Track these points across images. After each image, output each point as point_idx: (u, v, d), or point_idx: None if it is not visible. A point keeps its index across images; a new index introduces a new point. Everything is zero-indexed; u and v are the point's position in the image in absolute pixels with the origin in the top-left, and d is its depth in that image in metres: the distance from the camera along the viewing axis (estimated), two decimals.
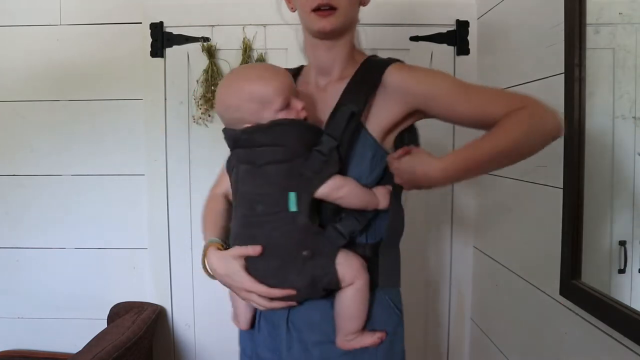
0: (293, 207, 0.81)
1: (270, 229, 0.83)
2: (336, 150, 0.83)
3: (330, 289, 0.86)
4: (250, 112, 0.84)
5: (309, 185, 0.81)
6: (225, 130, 0.89)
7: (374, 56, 0.95)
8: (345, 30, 0.91)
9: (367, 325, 0.90)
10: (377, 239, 0.93)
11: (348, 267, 0.84)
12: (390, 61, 0.90)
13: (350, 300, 0.86)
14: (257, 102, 0.84)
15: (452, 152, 0.83)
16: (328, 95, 0.92)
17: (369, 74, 0.90)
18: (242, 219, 0.87)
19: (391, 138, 0.93)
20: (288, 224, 0.82)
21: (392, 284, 0.93)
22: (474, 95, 0.84)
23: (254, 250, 0.84)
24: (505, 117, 0.79)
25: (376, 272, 0.90)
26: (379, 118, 0.89)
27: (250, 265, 0.85)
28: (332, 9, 0.85)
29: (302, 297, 0.87)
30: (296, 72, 1.03)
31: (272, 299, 0.85)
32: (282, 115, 0.84)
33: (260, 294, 0.85)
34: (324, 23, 0.86)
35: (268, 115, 0.84)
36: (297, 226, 0.81)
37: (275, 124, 0.82)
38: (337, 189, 0.83)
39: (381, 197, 0.89)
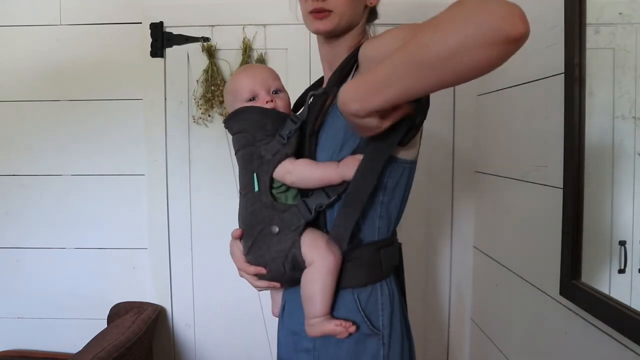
0: (256, 187, 0.87)
1: (244, 209, 0.91)
2: (297, 133, 0.87)
3: (297, 269, 0.87)
4: (228, 103, 0.96)
5: (268, 166, 0.86)
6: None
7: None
8: (343, 31, 0.91)
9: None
10: (362, 239, 0.89)
11: (311, 246, 0.84)
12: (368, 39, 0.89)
13: (307, 280, 0.85)
14: (230, 94, 0.95)
15: None
16: None
17: (350, 58, 0.90)
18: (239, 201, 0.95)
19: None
20: (256, 203, 0.88)
21: (352, 284, 0.87)
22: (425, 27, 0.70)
23: (234, 233, 0.95)
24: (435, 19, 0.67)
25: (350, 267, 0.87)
26: None
27: (242, 245, 0.94)
28: (327, 11, 0.87)
29: (273, 276, 0.90)
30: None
31: (259, 279, 0.93)
32: (248, 105, 0.92)
33: (244, 271, 0.93)
34: (318, 25, 0.88)
35: (238, 105, 0.93)
36: (263, 204, 0.87)
37: (236, 112, 0.92)
38: (287, 174, 0.86)
39: (345, 168, 0.83)
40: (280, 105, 0.92)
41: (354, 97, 0.70)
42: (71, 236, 1.82)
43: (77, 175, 1.81)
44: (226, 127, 0.95)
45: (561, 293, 1.12)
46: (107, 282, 1.82)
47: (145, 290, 1.82)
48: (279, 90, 0.94)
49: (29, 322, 1.86)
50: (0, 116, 1.81)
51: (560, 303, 1.15)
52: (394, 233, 0.96)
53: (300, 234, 0.86)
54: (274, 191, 0.88)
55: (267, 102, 0.91)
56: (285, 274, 0.88)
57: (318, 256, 0.84)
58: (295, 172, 0.85)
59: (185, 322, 1.84)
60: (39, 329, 1.85)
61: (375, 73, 0.68)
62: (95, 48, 1.77)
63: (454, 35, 0.61)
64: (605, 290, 0.98)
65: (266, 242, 0.88)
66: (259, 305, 1.79)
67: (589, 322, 1.04)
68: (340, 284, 0.87)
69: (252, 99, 0.92)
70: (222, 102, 1.71)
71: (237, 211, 0.95)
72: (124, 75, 1.78)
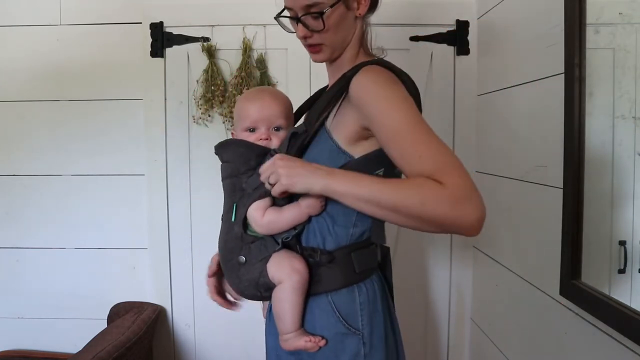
0: (233, 217, 0.91)
1: (222, 235, 0.96)
2: None
3: (272, 289, 0.91)
4: (234, 118, 1.00)
5: (247, 199, 0.90)
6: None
7: (367, 61, 0.93)
8: (339, 53, 0.97)
9: (308, 330, 0.91)
10: (336, 245, 0.92)
11: (276, 268, 0.89)
12: (359, 68, 0.87)
13: (276, 299, 0.90)
14: (236, 114, 0.99)
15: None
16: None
17: (341, 83, 0.89)
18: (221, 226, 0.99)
19: (366, 146, 0.88)
20: (230, 232, 0.93)
21: (325, 288, 0.91)
22: (408, 147, 0.78)
23: (208, 272, 1.06)
24: (421, 179, 0.75)
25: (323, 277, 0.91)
26: (342, 126, 0.89)
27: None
28: (318, 45, 0.93)
29: (250, 298, 0.96)
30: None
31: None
32: (244, 136, 0.95)
33: (224, 307, 1.07)
34: (315, 57, 0.97)
35: (237, 130, 0.98)
36: (234, 234, 0.91)
37: (227, 143, 0.95)
38: (256, 225, 0.90)
39: (307, 208, 0.88)
40: (274, 143, 0.95)
41: (327, 179, 0.80)
42: (71, 236, 1.82)
43: (77, 175, 1.81)
44: (216, 154, 0.97)
45: (561, 293, 1.12)
46: (107, 282, 1.82)
47: (145, 290, 1.82)
48: (281, 127, 0.96)
49: (29, 322, 1.85)
50: (0, 116, 1.81)
51: (560, 303, 1.15)
52: (369, 237, 0.96)
53: (267, 262, 0.90)
54: (248, 222, 0.92)
55: (261, 139, 0.94)
56: (262, 296, 0.94)
57: (284, 276, 0.88)
58: (264, 224, 0.90)
59: (185, 322, 1.84)
60: (39, 329, 1.85)
61: (354, 181, 0.79)
62: (95, 48, 1.77)
63: (431, 220, 0.74)
64: (605, 290, 0.98)
65: (235, 271, 0.93)
66: (258, 306, 1.79)
67: (589, 322, 1.04)
68: (314, 290, 0.91)
69: (252, 129, 0.95)
70: (222, 102, 1.71)
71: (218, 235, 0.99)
72: (124, 75, 1.77)
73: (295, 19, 0.92)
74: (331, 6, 0.88)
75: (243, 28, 1.72)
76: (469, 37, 1.71)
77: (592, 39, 1.03)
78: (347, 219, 0.91)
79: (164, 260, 1.81)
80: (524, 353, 1.38)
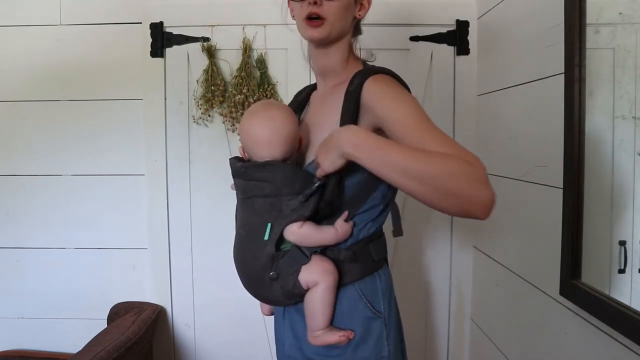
0: (267, 236, 0.92)
1: (245, 249, 0.97)
2: (315, 195, 0.89)
3: (304, 295, 0.95)
4: (259, 142, 0.96)
5: (283, 220, 0.91)
6: (230, 160, 1.00)
7: (363, 69, 0.96)
8: (335, 39, 0.97)
9: (337, 320, 0.95)
10: (354, 240, 0.97)
11: (308, 274, 0.92)
12: (367, 76, 0.92)
13: (310, 299, 0.94)
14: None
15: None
16: (335, 97, 0.98)
17: (353, 93, 0.92)
18: (235, 240, 1.00)
19: None
20: (260, 250, 0.93)
21: (351, 279, 0.96)
22: (427, 135, 0.81)
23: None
24: (453, 155, 0.78)
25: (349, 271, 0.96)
26: None
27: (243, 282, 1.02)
28: (320, 18, 0.93)
29: (284, 304, 1.00)
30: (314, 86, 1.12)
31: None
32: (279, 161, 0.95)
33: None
34: (312, 32, 0.94)
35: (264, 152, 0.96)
36: (265, 253, 0.92)
37: (267, 164, 0.93)
38: (290, 234, 0.92)
39: (342, 235, 0.94)
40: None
41: (355, 141, 0.81)
42: (71, 236, 1.82)
43: (77, 175, 1.81)
44: (245, 172, 0.95)
45: (561, 293, 1.12)
46: (107, 282, 1.82)
47: (145, 290, 1.82)
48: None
49: (30, 322, 1.86)
50: (0, 116, 1.81)
51: (560, 303, 1.15)
52: (381, 228, 1.03)
53: (298, 274, 0.92)
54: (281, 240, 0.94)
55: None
56: (295, 302, 0.97)
57: (319, 278, 0.92)
58: (299, 234, 0.92)
59: (185, 322, 1.84)
60: (39, 329, 1.85)
61: (385, 148, 0.79)
62: (95, 48, 1.77)
63: (452, 192, 0.76)
64: (605, 290, 0.98)
65: (268, 287, 0.95)
66: (258, 305, 1.79)
67: (589, 322, 1.04)
68: (342, 282, 0.95)
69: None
70: (222, 102, 1.71)
71: (233, 246, 1.00)
72: (124, 75, 1.77)
73: None
74: None
75: (243, 28, 1.72)
76: (469, 37, 1.71)
77: (592, 39, 1.03)
78: (367, 216, 0.97)
79: (164, 260, 1.81)
80: (524, 353, 1.38)
